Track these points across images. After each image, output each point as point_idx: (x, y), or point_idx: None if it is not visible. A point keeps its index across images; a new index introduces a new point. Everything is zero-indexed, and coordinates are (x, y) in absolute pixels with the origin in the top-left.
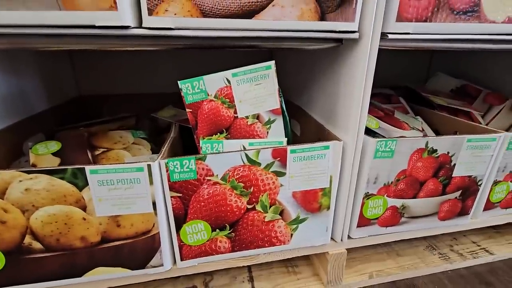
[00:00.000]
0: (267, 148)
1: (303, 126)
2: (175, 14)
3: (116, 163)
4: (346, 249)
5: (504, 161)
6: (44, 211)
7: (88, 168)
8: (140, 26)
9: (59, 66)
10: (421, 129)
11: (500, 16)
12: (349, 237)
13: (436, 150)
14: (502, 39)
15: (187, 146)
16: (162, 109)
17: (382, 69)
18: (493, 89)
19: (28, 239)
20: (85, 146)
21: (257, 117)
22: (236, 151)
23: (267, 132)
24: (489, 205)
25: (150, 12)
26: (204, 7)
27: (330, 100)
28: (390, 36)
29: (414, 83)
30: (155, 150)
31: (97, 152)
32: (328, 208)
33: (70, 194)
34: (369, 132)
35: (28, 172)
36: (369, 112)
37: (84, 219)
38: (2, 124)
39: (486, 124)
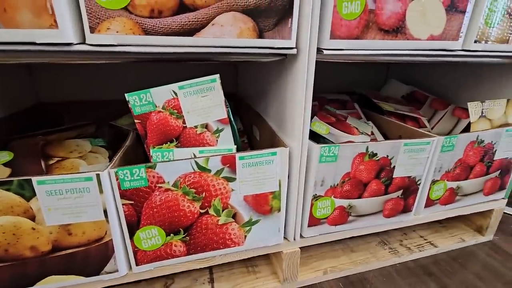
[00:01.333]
0: (216, 155)
1: (261, 132)
2: (117, 32)
3: (64, 173)
4: (300, 247)
5: (440, 162)
6: None
7: (35, 179)
8: (84, 42)
9: (14, 74)
10: (370, 133)
11: (423, 34)
12: (301, 236)
13: (376, 154)
14: (427, 54)
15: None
16: (121, 117)
17: (344, 76)
18: (439, 95)
19: None
20: (39, 156)
21: (206, 126)
22: (186, 159)
23: (217, 140)
24: (429, 202)
25: (92, 30)
26: (146, 25)
27: (280, 108)
28: (325, 52)
29: (373, 89)
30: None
31: (51, 162)
32: (279, 210)
33: (17, 205)
34: (319, 137)
35: None
36: (322, 118)
37: (34, 229)
38: None
39: (432, 128)
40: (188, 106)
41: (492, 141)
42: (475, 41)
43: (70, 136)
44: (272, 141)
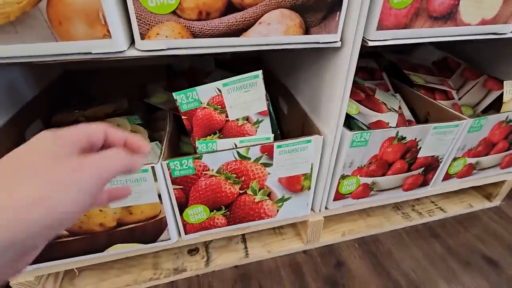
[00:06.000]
0: (256, 145)
1: (290, 107)
2: (166, 36)
3: None
4: (324, 216)
5: (464, 141)
6: None
7: None
8: (134, 47)
9: None
10: (398, 108)
11: (475, 19)
12: (326, 208)
13: (405, 138)
14: (476, 39)
15: (182, 128)
16: (154, 94)
17: None
18: (472, 64)
19: None
20: None
21: (247, 118)
22: (228, 149)
23: (256, 130)
24: (447, 177)
25: (142, 36)
26: (194, 28)
27: (314, 92)
28: (370, 43)
29: (404, 49)
30: (152, 137)
31: None
32: (309, 188)
33: None
34: (348, 116)
35: None
36: (351, 95)
37: (101, 210)
38: (2, 120)
39: (459, 98)
40: (231, 102)
41: None
42: None
43: (107, 111)
44: (304, 123)
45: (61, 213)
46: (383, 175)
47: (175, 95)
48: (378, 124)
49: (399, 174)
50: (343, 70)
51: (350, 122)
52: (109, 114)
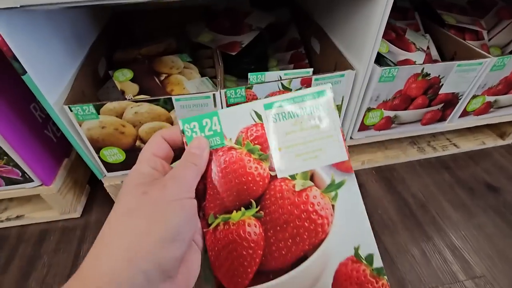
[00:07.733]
0: (297, 77)
1: (323, 46)
2: None
3: (190, 93)
4: (348, 146)
5: (485, 80)
6: (146, 126)
7: (174, 98)
8: None
9: None
10: (426, 48)
11: None
12: (351, 137)
13: (429, 74)
14: None
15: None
16: (200, 34)
17: None
18: (510, 1)
19: (138, 142)
20: (151, 73)
21: (311, 177)
22: (273, 81)
23: (333, 206)
24: (464, 113)
25: None
26: None
27: (349, 31)
28: None
29: None
30: (202, 73)
31: (161, 78)
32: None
33: (163, 114)
34: (378, 54)
35: (136, 101)
36: (383, 35)
37: None
38: (77, 61)
39: (489, 39)
40: (281, 139)
41: None
42: None
43: (158, 50)
44: (337, 61)
45: (167, 231)
46: (405, 109)
47: (181, 123)
48: (406, 62)
49: (419, 109)
50: (379, 12)
51: (379, 60)
52: (161, 52)
